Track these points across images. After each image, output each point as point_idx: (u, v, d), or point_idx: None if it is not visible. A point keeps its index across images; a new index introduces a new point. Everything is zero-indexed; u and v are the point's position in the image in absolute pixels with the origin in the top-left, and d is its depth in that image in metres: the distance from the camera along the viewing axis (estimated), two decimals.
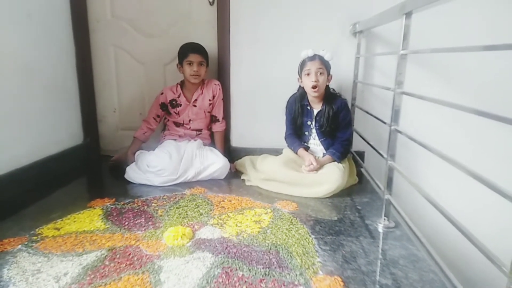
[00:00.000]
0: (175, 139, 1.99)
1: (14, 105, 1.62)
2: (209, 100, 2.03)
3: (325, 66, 1.74)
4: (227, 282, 0.97)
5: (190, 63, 1.90)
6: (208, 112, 2.07)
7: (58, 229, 1.29)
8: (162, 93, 2.03)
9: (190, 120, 2.04)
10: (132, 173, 1.81)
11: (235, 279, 0.99)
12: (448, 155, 0.92)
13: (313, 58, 1.74)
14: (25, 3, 1.68)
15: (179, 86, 2.03)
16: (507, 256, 0.64)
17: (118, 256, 1.11)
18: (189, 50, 1.91)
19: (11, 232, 1.26)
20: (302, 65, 1.77)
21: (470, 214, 1.35)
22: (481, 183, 0.77)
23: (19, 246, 1.17)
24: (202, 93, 2.02)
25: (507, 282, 0.62)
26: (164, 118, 2.10)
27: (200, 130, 2.07)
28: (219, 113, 2.08)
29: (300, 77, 1.80)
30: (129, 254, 1.12)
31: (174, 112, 2.03)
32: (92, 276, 1.00)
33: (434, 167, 1.68)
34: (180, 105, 2.01)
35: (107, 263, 1.07)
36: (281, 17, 1.99)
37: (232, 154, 2.14)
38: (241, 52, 2.07)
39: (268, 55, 2.05)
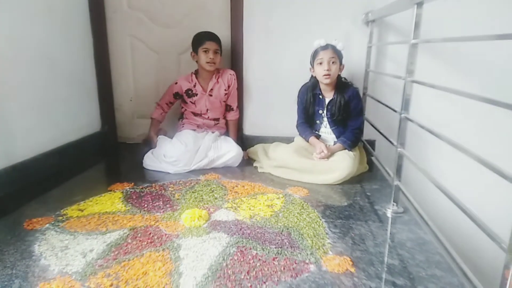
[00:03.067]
0: (194, 129, 2.04)
1: (37, 94, 1.70)
2: (225, 90, 2.07)
3: (338, 55, 1.77)
4: (242, 260, 1.03)
5: (206, 51, 1.93)
6: (224, 101, 2.11)
7: (81, 210, 1.36)
8: (176, 83, 2.06)
9: (207, 110, 2.08)
10: (150, 161, 1.89)
11: (250, 257, 1.05)
12: (457, 142, 0.95)
13: (325, 47, 1.76)
14: None
15: (193, 75, 2.06)
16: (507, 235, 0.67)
17: (139, 235, 1.18)
18: (205, 37, 1.94)
19: (39, 213, 1.34)
20: (315, 54, 1.80)
21: (478, 199, 1.38)
22: (490, 169, 0.79)
23: (47, 225, 1.25)
24: (217, 82, 2.06)
25: (506, 257, 0.66)
26: (181, 107, 2.15)
27: (217, 120, 2.12)
28: (233, 102, 2.13)
29: (313, 66, 1.83)
30: (150, 234, 1.19)
31: (191, 101, 2.07)
32: (116, 252, 1.07)
33: (443, 154, 1.71)
34: (196, 94, 2.05)
35: (129, 241, 1.14)
36: (294, 7, 2.02)
37: (244, 142, 2.20)
38: (254, 42, 2.10)
39: (280, 45, 2.08)
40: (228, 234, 1.19)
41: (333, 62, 1.75)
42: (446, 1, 1.15)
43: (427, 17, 1.23)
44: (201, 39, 1.95)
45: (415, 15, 1.23)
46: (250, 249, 1.09)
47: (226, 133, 2.15)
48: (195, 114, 2.09)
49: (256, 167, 1.91)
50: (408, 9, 1.30)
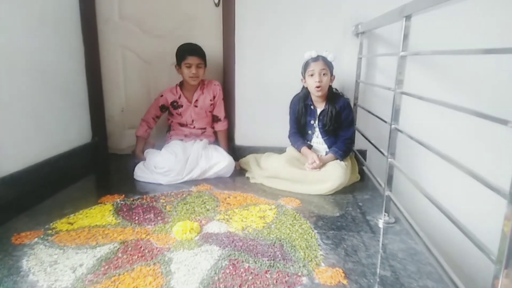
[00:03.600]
0: (181, 139, 2.04)
1: (27, 106, 1.69)
2: (210, 100, 2.08)
3: (328, 66, 1.79)
4: (234, 273, 1.03)
5: (189, 66, 1.93)
6: (210, 112, 2.12)
7: (71, 224, 1.35)
8: (161, 96, 2.07)
9: (193, 121, 2.09)
10: (141, 173, 1.87)
11: (242, 270, 1.04)
12: (445, 153, 0.97)
13: (316, 59, 1.78)
14: (37, 7, 1.73)
15: (178, 87, 2.07)
16: (496, 246, 0.68)
17: (130, 248, 1.16)
18: (187, 52, 1.94)
19: (27, 226, 1.32)
20: (306, 66, 1.82)
21: (466, 209, 1.40)
22: (476, 180, 0.81)
23: (36, 239, 1.22)
24: (202, 93, 2.07)
25: (494, 269, 0.66)
26: (168, 119, 2.15)
27: (204, 129, 2.12)
28: (220, 112, 2.13)
29: (304, 77, 1.85)
30: (141, 247, 1.17)
31: (177, 113, 2.08)
32: (106, 267, 1.06)
33: (433, 164, 1.73)
34: (182, 106, 2.06)
35: (120, 255, 1.12)
36: (285, 19, 2.04)
37: (236, 152, 2.19)
38: (246, 52, 2.12)
39: (272, 55, 2.10)
40: (220, 246, 1.18)
41: (324, 74, 1.77)
42: (435, 14, 1.17)
43: (416, 28, 1.25)
44: (183, 53, 1.95)
45: (404, 28, 1.25)
46: (242, 262, 1.09)
47: (216, 142, 2.15)
48: (182, 125, 2.10)
49: (248, 178, 1.91)
50: (397, 21, 1.32)
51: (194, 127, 2.10)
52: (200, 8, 2.17)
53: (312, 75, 1.78)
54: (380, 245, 1.23)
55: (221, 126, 2.15)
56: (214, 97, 2.09)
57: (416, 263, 1.10)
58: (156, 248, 1.17)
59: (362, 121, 2.04)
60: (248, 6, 2.05)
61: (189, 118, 2.08)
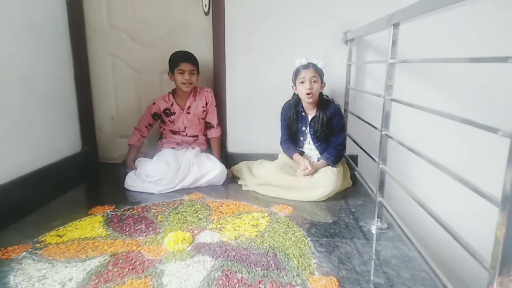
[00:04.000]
0: (173, 147, 2.03)
1: (15, 116, 1.66)
2: (203, 107, 2.08)
3: (319, 74, 1.80)
4: (227, 284, 1.01)
5: (182, 72, 1.94)
6: (202, 118, 2.11)
7: (60, 236, 1.32)
8: (154, 103, 2.07)
9: (185, 128, 2.08)
10: (132, 182, 1.85)
11: (235, 281, 1.03)
12: (434, 159, 0.97)
13: (307, 66, 1.79)
14: (24, 16, 1.71)
15: (171, 95, 2.07)
16: (489, 252, 0.69)
17: (120, 261, 1.14)
18: (180, 59, 1.95)
19: (15, 240, 1.29)
20: (297, 73, 1.82)
21: (458, 214, 1.41)
22: (465, 185, 0.82)
23: (24, 253, 1.20)
24: (195, 100, 2.06)
25: (488, 277, 0.67)
26: (160, 127, 2.14)
27: (196, 136, 2.11)
28: (213, 119, 2.13)
29: (295, 84, 1.85)
30: (131, 259, 1.15)
31: (169, 120, 2.07)
32: (96, 281, 1.03)
33: (423, 169, 1.73)
34: (174, 113, 2.05)
35: (110, 268, 1.10)
36: (275, 26, 2.05)
37: (228, 159, 2.19)
38: (236, 60, 2.12)
39: (262, 63, 2.11)
40: (213, 257, 1.17)
41: (314, 81, 1.78)
42: (422, 22, 1.18)
43: (404, 35, 1.27)
44: (176, 60, 1.95)
45: (392, 35, 1.27)
46: (235, 272, 1.08)
47: (208, 150, 2.13)
48: (174, 132, 2.09)
49: (240, 185, 1.90)
50: (385, 29, 1.33)
51: (186, 135, 2.09)
52: (189, 16, 2.17)
53: (302, 82, 1.79)
54: (374, 251, 1.23)
55: (214, 133, 2.14)
56: (206, 104, 2.09)
57: (410, 269, 1.10)
58: (148, 260, 1.15)
59: (353, 127, 2.05)
60: (237, 14, 2.06)
61: (181, 125, 2.07)
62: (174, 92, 2.09)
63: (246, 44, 2.09)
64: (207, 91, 2.09)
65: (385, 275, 1.07)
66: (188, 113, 2.06)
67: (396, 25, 1.24)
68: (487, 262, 0.68)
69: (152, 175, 1.80)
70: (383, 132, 1.34)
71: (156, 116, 2.08)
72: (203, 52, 2.13)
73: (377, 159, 1.39)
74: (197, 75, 2.01)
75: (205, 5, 2.12)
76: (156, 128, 2.17)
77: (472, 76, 1.86)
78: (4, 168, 1.58)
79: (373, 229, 1.37)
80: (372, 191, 1.53)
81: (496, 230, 0.65)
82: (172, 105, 2.05)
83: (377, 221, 1.39)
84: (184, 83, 1.95)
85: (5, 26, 1.59)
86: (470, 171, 0.95)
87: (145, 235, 1.33)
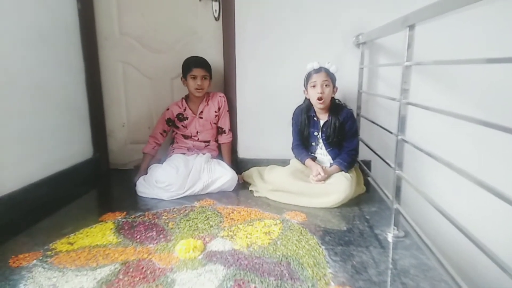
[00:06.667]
0: (184, 153, 2.02)
1: (27, 123, 1.66)
2: (215, 111, 2.07)
3: (331, 78, 1.77)
4: None
5: (194, 77, 1.95)
6: (214, 123, 2.11)
7: (71, 244, 1.31)
8: (168, 109, 2.08)
9: (197, 132, 2.08)
10: (142, 188, 1.84)
11: None
12: (454, 164, 0.94)
13: (318, 70, 1.77)
14: (36, 24, 1.73)
15: (184, 100, 2.08)
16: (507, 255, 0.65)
17: (131, 269, 1.12)
18: (192, 64, 1.96)
19: (26, 248, 1.28)
20: (308, 77, 1.80)
21: (479, 221, 1.35)
22: (487, 190, 0.78)
23: (34, 261, 1.19)
24: (207, 104, 2.06)
25: None
26: (172, 131, 2.13)
27: (208, 142, 2.10)
28: (225, 124, 2.11)
29: (306, 89, 1.83)
30: (142, 268, 1.13)
31: (182, 125, 2.07)
32: None
33: (442, 175, 1.69)
34: (187, 118, 2.05)
35: (121, 277, 1.08)
36: (285, 30, 2.03)
37: (239, 165, 2.16)
38: (247, 65, 2.10)
39: (273, 67, 2.09)
40: (225, 266, 1.14)
41: (326, 85, 1.75)
42: (439, 23, 1.15)
43: (419, 38, 1.23)
44: (189, 66, 1.96)
45: (408, 37, 1.23)
46: (248, 282, 1.05)
47: (219, 157, 2.11)
48: (186, 137, 2.08)
49: (251, 191, 1.87)
50: (400, 31, 1.30)
51: (198, 139, 2.08)
52: (200, 22, 2.17)
53: (314, 86, 1.76)
54: (390, 261, 1.18)
55: (225, 139, 2.12)
56: (219, 109, 2.08)
57: (429, 279, 1.06)
58: (159, 268, 1.13)
59: (365, 131, 2.01)
60: (248, 19, 2.05)
61: (193, 129, 2.07)
62: (187, 97, 2.09)
63: (256, 49, 2.08)
64: (220, 96, 2.08)
65: (404, 286, 1.03)
66: (201, 117, 2.06)
67: (411, 27, 1.20)
68: None
69: (161, 180, 1.78)
70: (399, 137, 1.30)
71: (170, 122, 2.08)
72: (213, 58, 2.12)
73: (392, 165, 1.36)
74: (210, 80, 2.01)
75: (215, 10, 2.12)
76: (169, 134, 2.17)
77: (488, 77, 1.80)
78: (16, 175, 1.58)
79: (390, 237, 1.33)
80: (388, 197, 1.48)
81: None
82: (185, 110, 2.05)
83: (393, 228, 1.35)
84: (196, 89, 1.96)
85: (17, 34, 1.61)
86: (488, 176, 0.91)
87: (156, 243, 1.31)
